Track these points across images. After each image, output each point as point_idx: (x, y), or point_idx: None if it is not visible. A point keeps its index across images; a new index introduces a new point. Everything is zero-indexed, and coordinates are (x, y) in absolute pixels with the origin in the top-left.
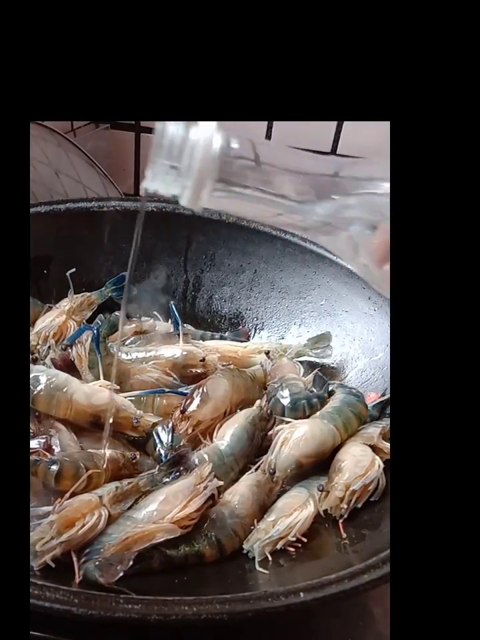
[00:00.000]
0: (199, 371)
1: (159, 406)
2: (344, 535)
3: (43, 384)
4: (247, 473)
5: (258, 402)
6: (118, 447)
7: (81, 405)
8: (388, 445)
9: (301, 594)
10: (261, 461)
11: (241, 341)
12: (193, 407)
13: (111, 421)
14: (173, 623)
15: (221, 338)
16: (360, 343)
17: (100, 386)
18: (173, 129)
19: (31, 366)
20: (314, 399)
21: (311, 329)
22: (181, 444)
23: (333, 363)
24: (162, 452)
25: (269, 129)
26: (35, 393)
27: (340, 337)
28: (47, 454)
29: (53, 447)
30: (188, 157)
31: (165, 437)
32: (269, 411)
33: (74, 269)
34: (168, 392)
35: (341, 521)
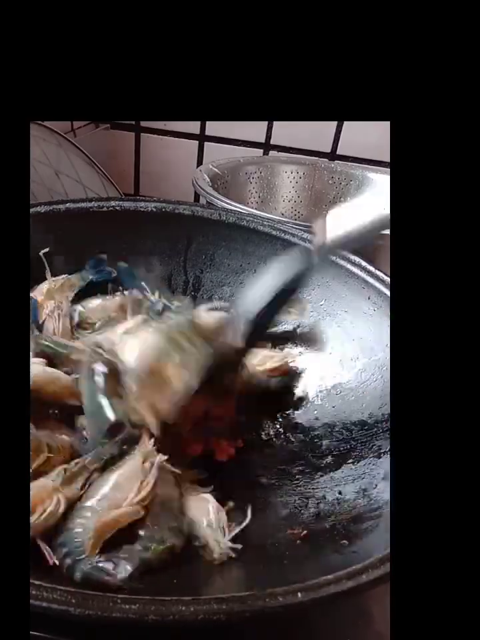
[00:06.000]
0: None
1: None
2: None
3: None
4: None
5: None
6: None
7: None
8: None
9: (299, 594)
10: None
11: None
12: None
13: None
14: (170, 623)
15: None
16: (359, 342)
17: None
18: None
19: None
20: None
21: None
22: None
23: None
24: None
25: (269, 128)
26: None
27: (339, 337)
28: None
29: None
30: None
31: None
32: None
33: (48, 249)
34: None
35: None
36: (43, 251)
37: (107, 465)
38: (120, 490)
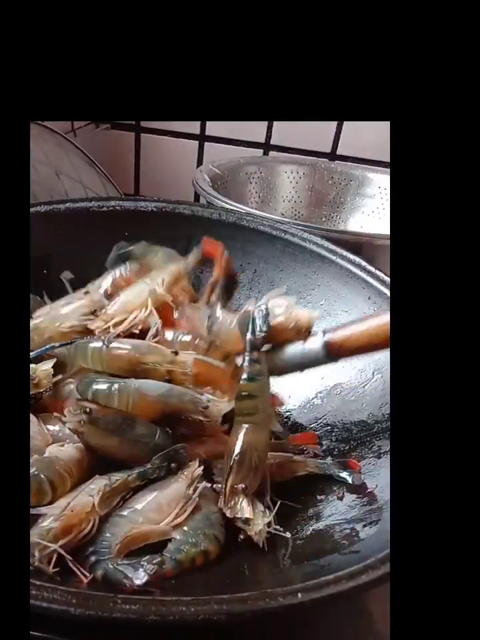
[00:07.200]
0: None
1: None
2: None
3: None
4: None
5: None
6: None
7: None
8: None
9: (299, 594)
10: None
11: None
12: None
13: None
14: (171, 623)
15: None
16: None
17: None
18: None
19: None
20: None
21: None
22: None
23: None
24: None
25: (269, 128)
26: None
27: None
28: None
29: None
30: None
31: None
32: None
33: (72, 276)
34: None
35: None
36: (67, 277)
37: (151, 481)
38: (159, 511)
